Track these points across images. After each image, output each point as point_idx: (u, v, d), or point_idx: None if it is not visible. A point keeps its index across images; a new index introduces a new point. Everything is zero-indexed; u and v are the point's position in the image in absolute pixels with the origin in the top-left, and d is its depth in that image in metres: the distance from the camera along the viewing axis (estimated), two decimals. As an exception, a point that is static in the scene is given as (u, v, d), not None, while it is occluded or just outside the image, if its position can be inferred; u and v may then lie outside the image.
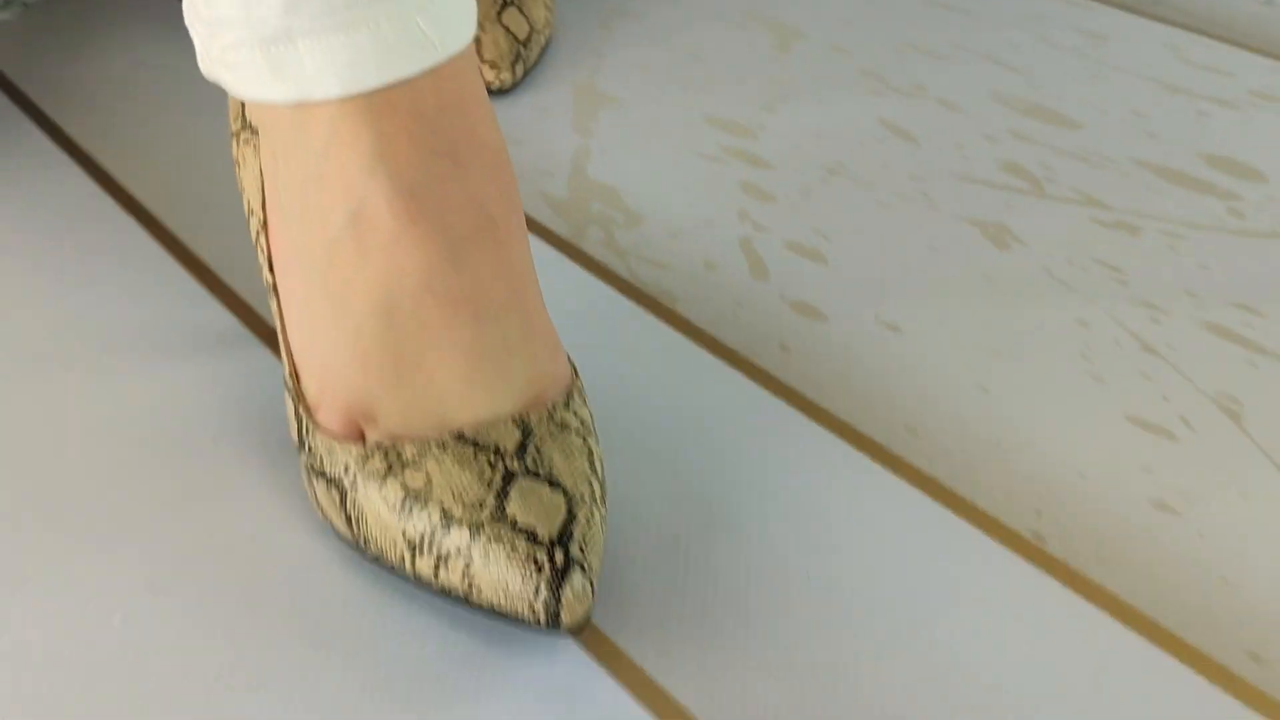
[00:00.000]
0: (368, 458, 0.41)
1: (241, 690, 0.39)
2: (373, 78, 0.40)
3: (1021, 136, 0.69)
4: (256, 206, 0.46)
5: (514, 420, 0.41)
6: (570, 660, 0.40)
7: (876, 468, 0.47)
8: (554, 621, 0.38)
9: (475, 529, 0.39)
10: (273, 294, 0.45)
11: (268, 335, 0.53)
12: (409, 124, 0.41)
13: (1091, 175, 0.66)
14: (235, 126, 0.48)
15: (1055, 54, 0.78)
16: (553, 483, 0.40)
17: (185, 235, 0.60)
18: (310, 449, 0.43)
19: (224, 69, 0.42)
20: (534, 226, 0.61)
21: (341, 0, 0.39)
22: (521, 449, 0.41)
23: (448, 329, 0.41)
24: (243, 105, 0.47)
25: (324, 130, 0.41)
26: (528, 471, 0.40)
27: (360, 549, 0.42)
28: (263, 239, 0.46)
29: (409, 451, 0.41)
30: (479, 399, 0.42)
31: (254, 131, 0.46)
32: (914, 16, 0.82)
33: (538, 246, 0.59)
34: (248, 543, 0.44)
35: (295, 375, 0.44)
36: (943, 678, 0.40)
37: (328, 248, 0.42)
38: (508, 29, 0.72)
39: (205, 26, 0.42)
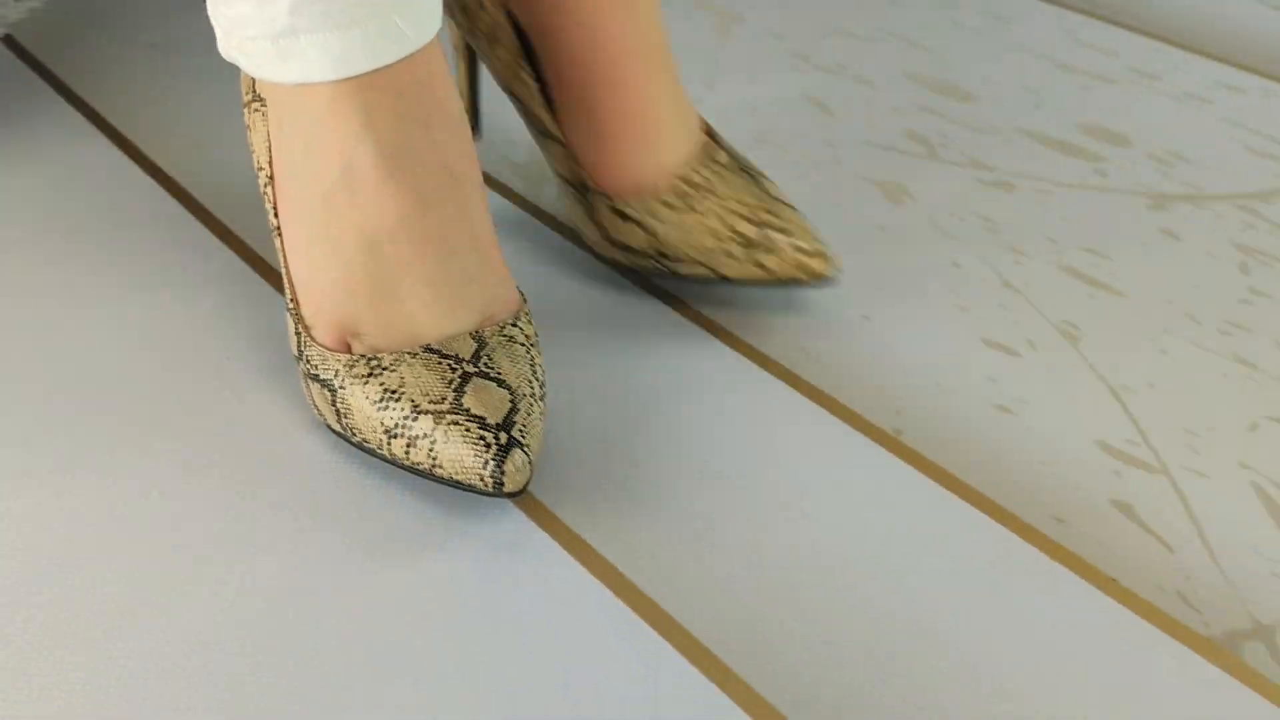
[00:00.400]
0: (353, 364, 0.52)
1: (255, 550, 0.49)
2: (360, 65, 0.50)
3: (925, 108, 0.79)
4: (265, 163, 0.56)
5: (471, 335, 0.52)
6: (514, 522, 0.51)
7: (770, 378, 0.58)
8: (499, 488, 0.48)
9: (438, 417, 0.50)
10: (277, 235, 0.56)
11: (269, 274, 0.64)
12: (389, 99, 0.51)
13: (980, 142, 0.76)
14: (247, 98, 0.58)
15: (963, 35, 0.88)
16: (500, 382, 0.51)
17: (200, 194, 0.70)
18: (307, 359, 0.54)
19: (241, 54, 0.52)
20: (497, 185, 0.71)
21: (337, 6, 0.49)
22: (476, 356, 0.51)
23: (419, 263, 0.52)
24: (253, 81, 0.57)
25: (321, 105, 0.51)
26: (480, 373, 0.51)
27: (347, 437, 0.53)
28: (269, 190, 0.56)
29: (386, 360, 0.51)
30: (443, 319, 0.52)
31: (263, 102, 0.56)
32: (843, 2, 0.92)
33: (500, 201, 0.70)
34: (258, 436, 0.54)
35: (295, 300, 0.55)
36: (812, 542, 0.50)
37: (323, 197, 0.52)
38: None
39: (226, 21, 0.52)
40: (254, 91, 0.56)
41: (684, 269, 0.60)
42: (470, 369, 0.51)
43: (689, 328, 0.61)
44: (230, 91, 0.79)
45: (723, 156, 0.61)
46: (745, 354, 0.59)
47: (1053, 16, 0.91)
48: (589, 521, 0.51)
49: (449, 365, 0.51)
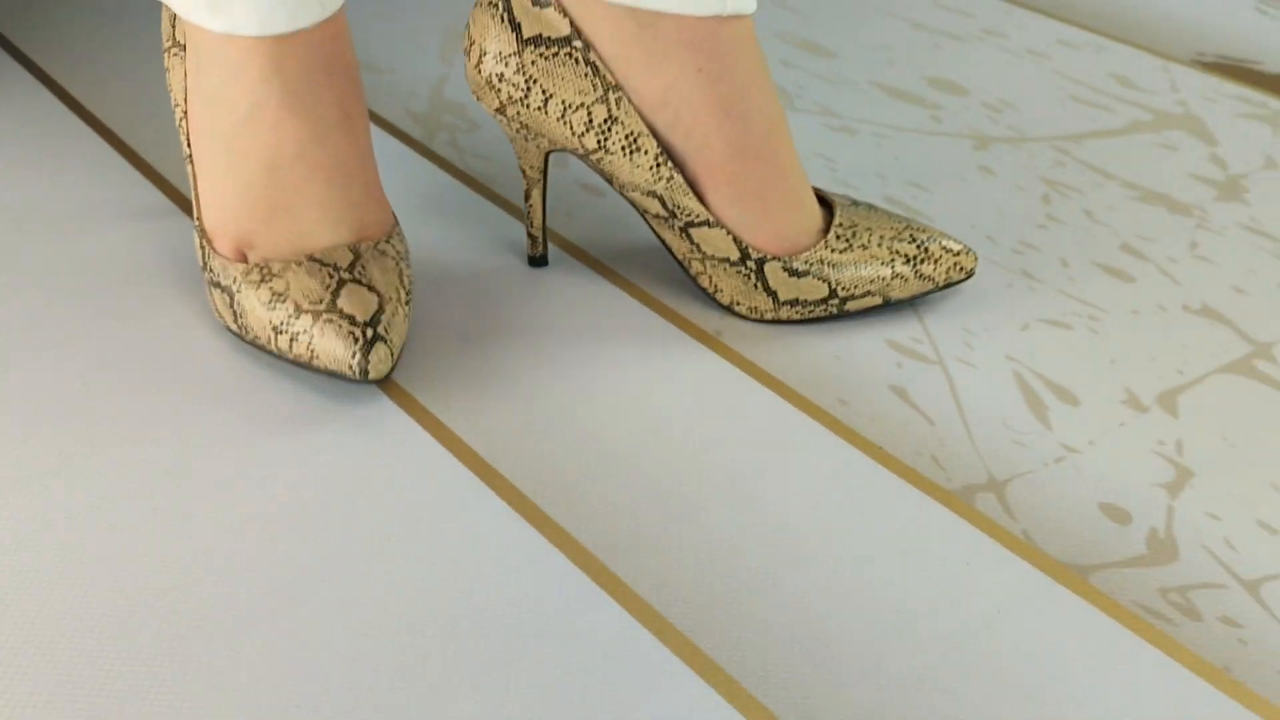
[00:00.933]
0: (249, 272, 0.61)
1: (162, 427, 0.58)
2: (281, 26, 0.60)
3: (788, 64, 0.88)
4: (180, 100, 0.65)
5: (349, 248, 0.61)
6: (380, 405, 0.60)
7: (614, 289, 0.67)
8: (364, 375, 0.58)
9: (315, 315, 0.59)
10: (189, 162, 0.65)
11: (185, 204, 0.73)
12: (299, 51, 0.61)
13: (833, 92, 0.85)
14: (167, 44, 0.66)
15: (840, 2, 0.97)
16: (370, 287, 0.60)
17: (123, 132, 0.79)
18: (210, 268, 0.63)
19: (178, 1, 0.61)
20: (396, 132, 0.80)
21: None
22: (351, 266, 0.60)
23: (311, 186, 0.61)
24: (173, 28, 0.66)
25: (238, 53, 0.60)
26: (354, 280, 0.60)
27: (241, 335, 0.62)
28: (184, 124, 0.65)
29: (275, 267, 0.60)
30: (327, 234, 0.61)
31: (181, 47, 0.65)
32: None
33: (397, 145, 0.78)
34: (170, 337, 0.63)
35: (200, 219, 0.64)
36: (660, 428, 0.59)
37: (232, 128, 0.61)
38: None
39: None
40: (174, 39, 0.65)
41: (854, 305, 0.64)
42: (346, 276, 0.60)
43: (556, 252, 0.70)
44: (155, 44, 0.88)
45: (837, 195, 0.68)
46: (598, 270, 0.69)
47: (921, -17, 1.00)
48: (442, 402, 0.60)
49: (328, 272, 0.60)
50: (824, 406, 0.60)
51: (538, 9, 0.60)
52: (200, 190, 0.64)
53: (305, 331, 0.59)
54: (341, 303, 0.59)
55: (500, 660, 0.48)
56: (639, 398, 0.60)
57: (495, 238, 0.71)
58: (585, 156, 0.63)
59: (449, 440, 0.58)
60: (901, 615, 0.50)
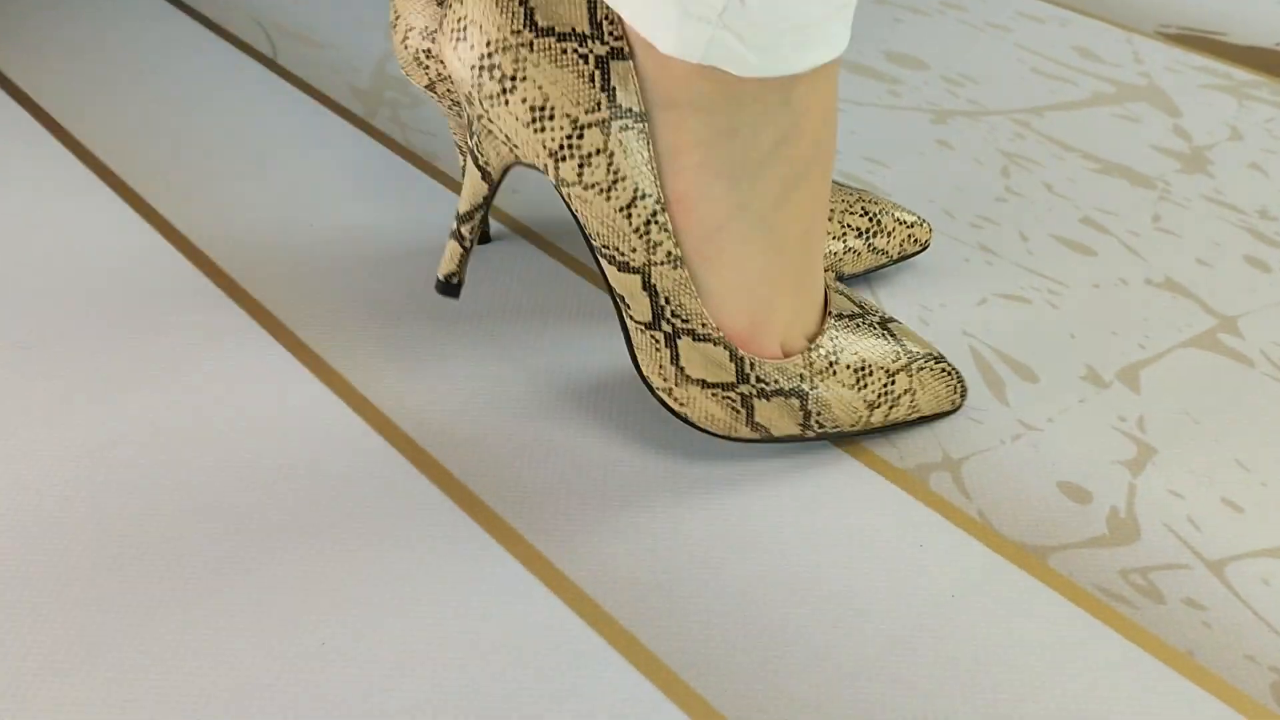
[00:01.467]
0: (812, 361, 0.53)
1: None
2: (836, 52, 0.48)
3: (743, 38, 0.86)
4: (650, 188, 0.49)
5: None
6: (312, 388, 0.57)
7: (558, 265, 0.64)
8: (957, 406, 0.56)
9: (908, 370, 0.55)
10: (673, 265, 0.50)
11: (175, 239, 0.70)
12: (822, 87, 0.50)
13: (789, 66, 0.82)
14: (595, 117, 0.48)
15: (794, -26, 0.95)
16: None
17: (116, 165, 0.76)
18: (759, 378, 0.52)
19: (745, 47, 0.46)
20: (337, 108, 0.77)
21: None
22: (864, 306, 0.56)
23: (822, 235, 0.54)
24: (606, 88, 0.48)
25: (802, 95, 0.48)
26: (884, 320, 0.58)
27: (802, 435, 0.54)
28: (662, 218, 0.49)
29: (835, 342, 0.53)
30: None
31: (639, 119, 0.48)
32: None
33: (338, 122, 0.76)
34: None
35: (707, 327, 0.51)
36: (600, 409, 0.57)
37: (779, 197, 0.50)
38: None
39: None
40: (614, 104, 0.48)
41: None
42: (875, 316, 0.55)
43: (496, 224, 0.68)
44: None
45: None
46: (526, 236, 0.66)
47: (880, -43, 0.98)
48: (376, 383, 0.57)
49: (869, 319, 0.55)
50: (773, 385, 0.58)
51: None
52: (714, 291, 0.51)
53: (907, 391, 0.54)
54: (912, 345, 0.55)
55: (431, 647, 0.45)
56: (578, 377, 0.58)
57: (438, 214, 0.68)
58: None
59: (379, 422, 0.55)
60: (850, 601, 0.47)
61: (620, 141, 0.48)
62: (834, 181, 0.64)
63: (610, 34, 0.47)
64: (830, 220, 0.61)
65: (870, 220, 0.62)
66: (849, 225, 0.62)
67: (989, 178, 0.72)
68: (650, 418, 0.55)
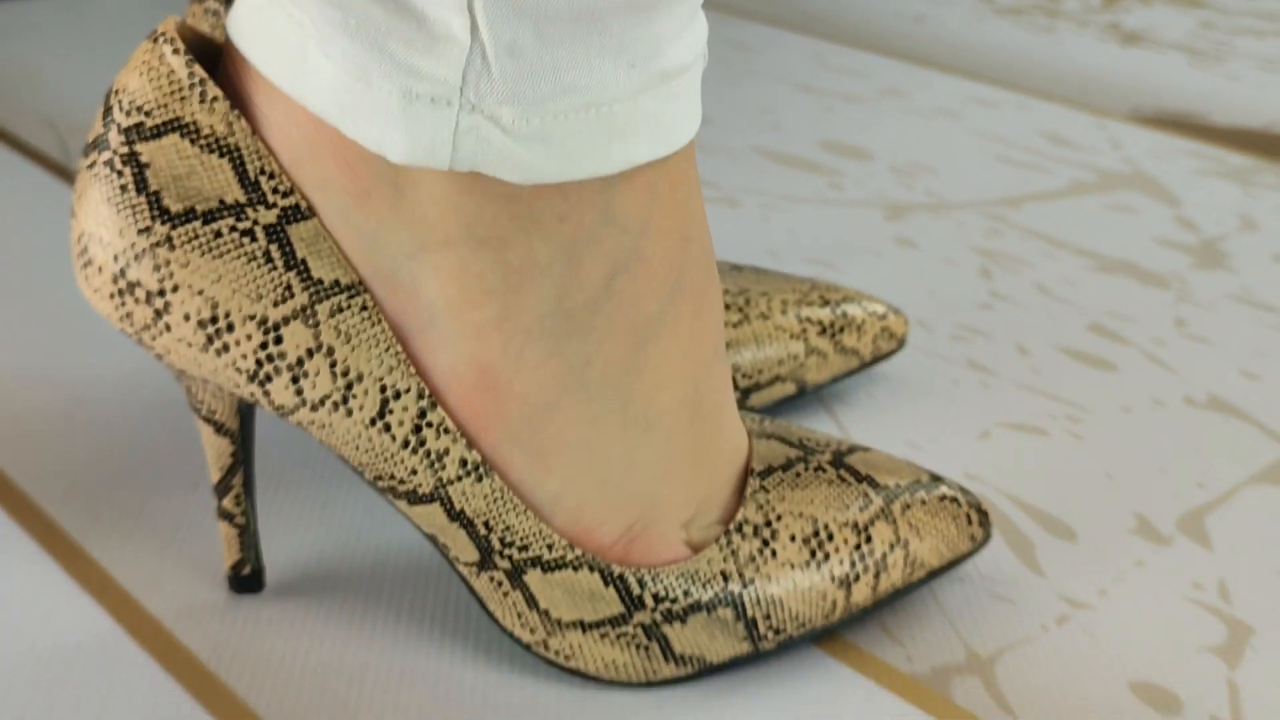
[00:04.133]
0: (735, 549, 0.36)
1: None
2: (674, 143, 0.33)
3: (652, 131, 0.72)
4: (403, 379, 0.34)
5: None
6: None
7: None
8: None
9: (902, 508, 0.39)
10: (476, 478, 0.34)
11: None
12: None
13: (710, 162, 0.69)
14: (290, 308, 0.34)
15: (707, 64, 0.82)
16: None
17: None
18: (655, 596, 0.35)
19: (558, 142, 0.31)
20: (37, 155, 0.61)
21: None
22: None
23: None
24: (300, 269, 0.33)
25: (643, 202, 0.34)
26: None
27: (753, 649, 0.37)
28: (435, 415, 0.34)
29: (773, 510, 0.37)
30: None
31: (353, 291, 0.33)
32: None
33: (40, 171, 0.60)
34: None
35: (570, 541, 0.35)
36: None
37: (644, 340, 0.35)
38: None
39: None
40: (316, 284, 0.33)
41: (762, 397, 0.47)
42: (826, 453, 0.39)
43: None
44: None
45: (726, 265, 0.50)
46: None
47: (802, 45, 0.85)
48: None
49: (816, 459, 0.38)
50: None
51: None
52: (542, 495, 0.35)
53: (895, 544, 0.38)
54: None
55: None
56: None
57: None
58: None
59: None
60: None
61: (337, 330, 0.33)
62: (771, 270, 0.49)
63: (275, 190, 0.33)
64: (785, 314, 0.47)
65: (833, 312, 0.47)
66: (808, 320, 0.47)
67: (967, 280, 0.58)
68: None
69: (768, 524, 0.36)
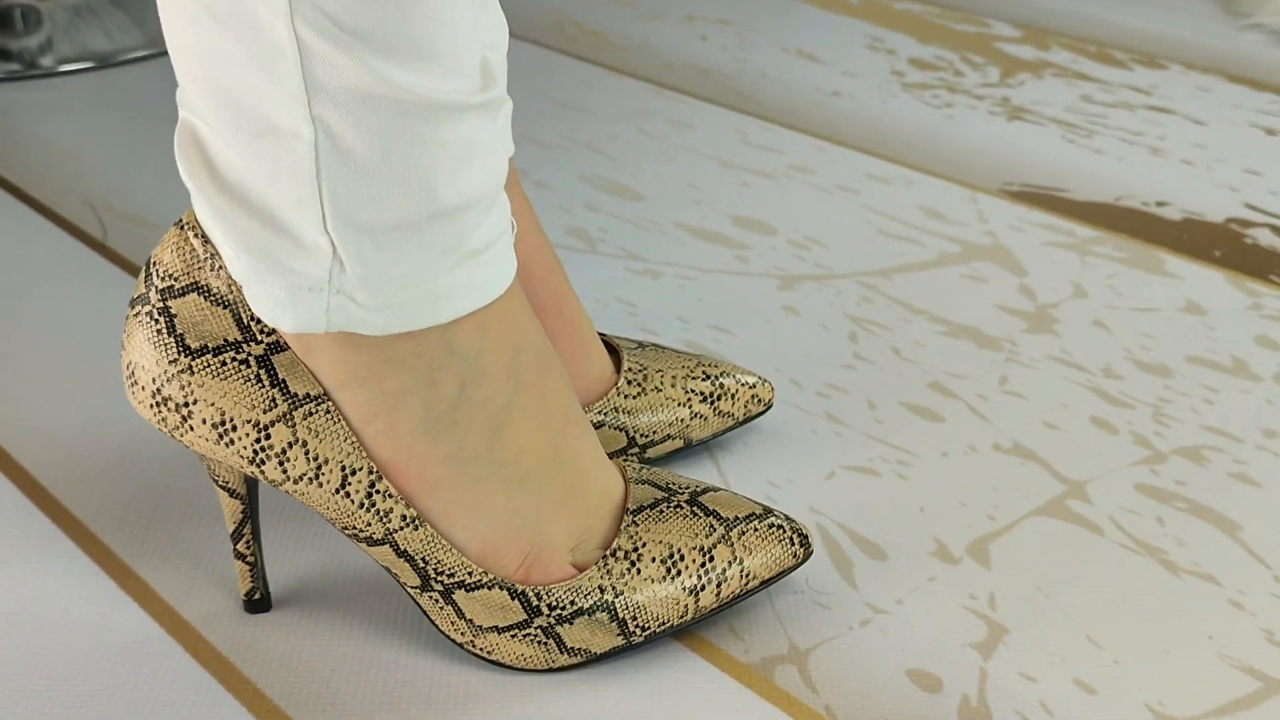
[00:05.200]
0: (609, 567, 0.50)
1: None
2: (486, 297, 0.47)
3: (592, 207, 0.85)
4: (358, 461, 0.47)
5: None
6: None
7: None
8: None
9: (729, 541, 0.52)
10: (413, 528, 0.48)
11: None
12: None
13: (637, 235, 0.82)
14: (275, 414, 0.47)
15: (645, 140, 0.95)
16: None
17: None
18: (550, 606, 0.49)
19: (388, 313, 0.45)
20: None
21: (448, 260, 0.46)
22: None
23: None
24: (281, 387, 0.47)
25: (475, 335, 0.47)
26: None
27: (626, 645, 0.50)
28: (382, 485, 0.47)
29: (639, 538, 0.51)
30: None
31: (321, 400, 0.47)
32: (536, 115, 0.99)
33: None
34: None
35: (485, 573, 0.49)
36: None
37: (493, 425, 0.48)
38: None
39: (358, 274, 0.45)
40: (293, 396, 0.47)
41: (655, 451, 0.60)
42: (684, 494, 0.53)
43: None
44: None
45: (620, 339, 0.63)
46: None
47: (730, 120, 0.98)
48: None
49: (676, 499, 0.52)
50: (614, 576, 0.55)
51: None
52: (462, 536, 0.49)
53: (733, 562, 0.51)
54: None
55: None
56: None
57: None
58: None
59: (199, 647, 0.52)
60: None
61: (310, 428, 0.47)
62: (670, 348, 0.63)
63: (262, 331, 0.47)
64: (674, 387, 0.60)
65: (713, 384, 0.61)
66: (692, 391, 0.60)
67: (837, 344, 0.71)
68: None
69: (635, 549, 0.50)
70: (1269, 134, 0.97)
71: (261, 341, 0.47)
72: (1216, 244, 0.82)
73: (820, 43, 1.14)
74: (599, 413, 0.59)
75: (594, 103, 1.02)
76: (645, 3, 1.25)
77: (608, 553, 0.50)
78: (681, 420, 0.60)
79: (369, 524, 0.48)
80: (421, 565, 0.48)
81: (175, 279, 0.48)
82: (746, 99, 1.02)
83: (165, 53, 1.16)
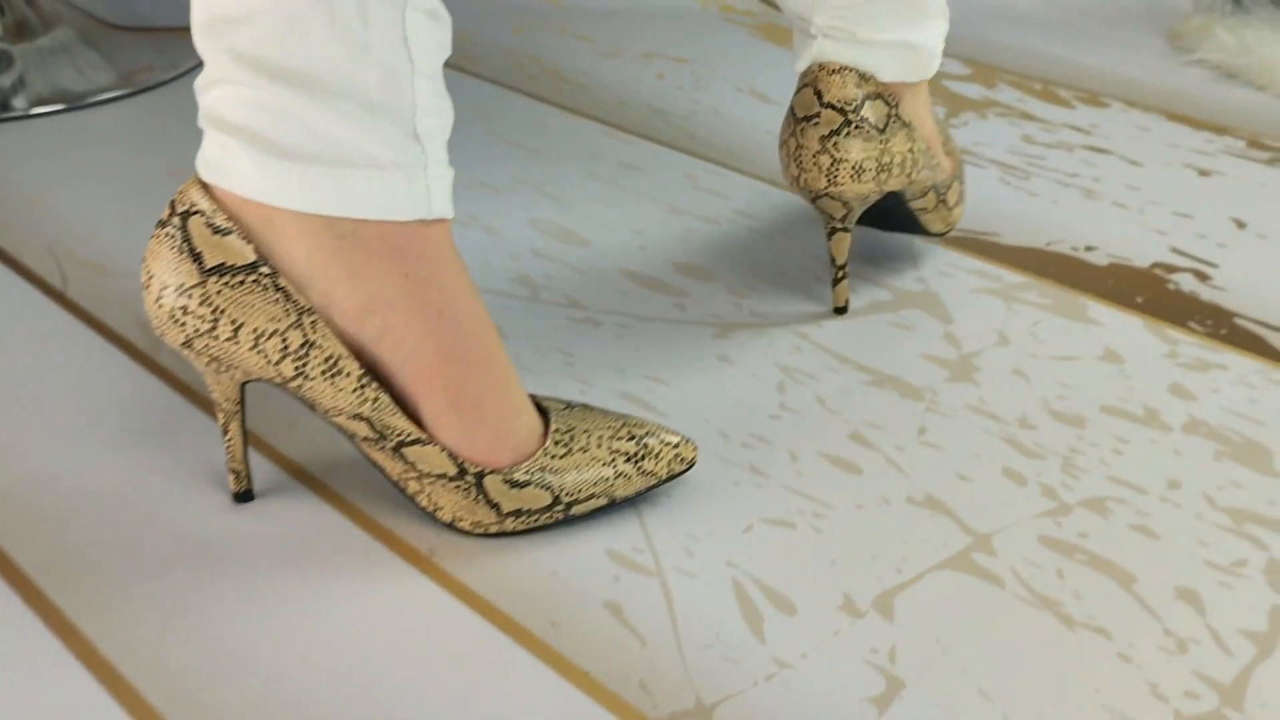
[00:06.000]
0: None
1: None
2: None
3: (539, 253, 0.88)
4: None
5: None
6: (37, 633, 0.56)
7: (329, 509, 0.64)
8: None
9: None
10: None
11: None
12: None
13: (581, 282, 0.84)
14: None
15: (595, 184, 0.98)
16: None
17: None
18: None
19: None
20: (120, 342, 0.77)
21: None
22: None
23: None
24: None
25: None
26: None
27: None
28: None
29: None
30: None
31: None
32: (484, 156, 1.01)
33: (118, 356, 0.75)
34: None
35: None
36: (355, 670, 0.56)
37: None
38: None
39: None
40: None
41: (580, 508, 0.63)
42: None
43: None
44: None
45: (549, 399, 0.67)
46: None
47: (679, 164, 1.01)
48: (122, 645, 0.56)
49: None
50: (535, 630, 0.58)
51: (218, 237, 0.58)
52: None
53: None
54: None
55: None
56: (336, 633, 0.57)
57: (216, 461, 0.68)
58: (283, 385, 0.60)
59: (116, 685, 0.54)
60: None
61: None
62: (598, 409, 0.66)
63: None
64: (600, 447, 0.63)
65: (638, 444, 0.64)
66: (617, 450, 0.63)
67: (765, 393, 0.74)
68: (402, 676, 0.55)
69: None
70: (1202, 175, 1.00)
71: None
72: (1140, 290, 0.85)
73: (774, 83, 1.17)
74: (526, 472, 0.62)
75: (546, 144, 1.05)
76: (606, 38, 1.28)
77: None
78: (606, 479, 0.63)
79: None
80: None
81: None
82: (698, 141, 1.05)
83: (137, 92, 1.20)
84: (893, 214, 0.84)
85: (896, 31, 0.75)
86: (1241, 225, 0.93)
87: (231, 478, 0.65)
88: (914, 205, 0.82)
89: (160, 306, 0.59)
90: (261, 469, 0.67)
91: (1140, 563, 0.62)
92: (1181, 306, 0.83)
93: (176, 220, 0.58)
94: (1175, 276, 0.87)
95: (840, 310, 0.81)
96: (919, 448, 0.70)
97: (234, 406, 0.62)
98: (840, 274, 0.80)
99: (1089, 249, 0.90)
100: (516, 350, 0.77)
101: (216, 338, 0.58)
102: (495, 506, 0.62)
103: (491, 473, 0.61)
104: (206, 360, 0.60)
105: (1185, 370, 0.76)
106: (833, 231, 0.78)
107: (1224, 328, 0.81)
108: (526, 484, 0.62)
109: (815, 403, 0.73)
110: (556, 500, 0.62)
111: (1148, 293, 0.85)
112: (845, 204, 0.76)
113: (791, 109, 0.77)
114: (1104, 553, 0.63)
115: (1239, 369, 0.77)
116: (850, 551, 0.63)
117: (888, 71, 0.75)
